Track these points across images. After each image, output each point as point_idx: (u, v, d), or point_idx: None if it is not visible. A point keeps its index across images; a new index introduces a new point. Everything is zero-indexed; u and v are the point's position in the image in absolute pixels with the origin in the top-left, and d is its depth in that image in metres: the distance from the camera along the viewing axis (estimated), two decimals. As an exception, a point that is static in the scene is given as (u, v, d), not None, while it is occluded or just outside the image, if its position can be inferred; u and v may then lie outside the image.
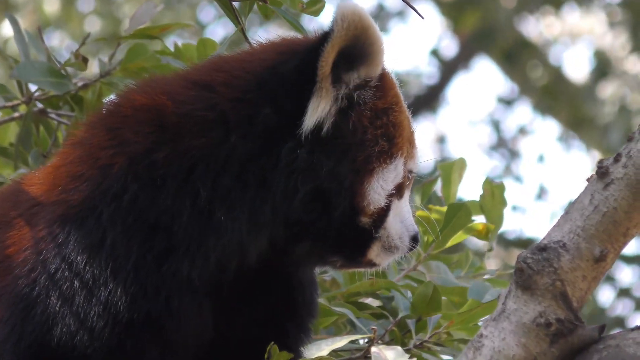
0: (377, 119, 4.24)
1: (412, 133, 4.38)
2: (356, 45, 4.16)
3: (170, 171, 4.09)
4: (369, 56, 4.20)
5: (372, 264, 4.30)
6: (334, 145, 4.19)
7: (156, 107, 4.18)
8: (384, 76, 4.28)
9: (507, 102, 18.21)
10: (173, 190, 4.08)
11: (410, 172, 4.35)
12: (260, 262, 4.19)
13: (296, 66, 4.20)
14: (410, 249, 4.32)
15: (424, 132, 17.39)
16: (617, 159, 3.75)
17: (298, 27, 4.78)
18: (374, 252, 4.25)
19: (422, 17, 5.10)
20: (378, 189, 4.20)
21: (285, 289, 4.34)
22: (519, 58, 17.48)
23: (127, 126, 4.16)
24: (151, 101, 4.20)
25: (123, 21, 16.77)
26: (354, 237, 4.25)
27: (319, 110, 4.17)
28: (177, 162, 4.10)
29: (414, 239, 4.31)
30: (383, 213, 4.23)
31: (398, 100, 4.32)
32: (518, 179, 17.62)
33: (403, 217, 4.33)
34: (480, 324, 4.52)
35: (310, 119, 4.14)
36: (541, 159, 17.89)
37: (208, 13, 17.46)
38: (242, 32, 4.78)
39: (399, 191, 4.26)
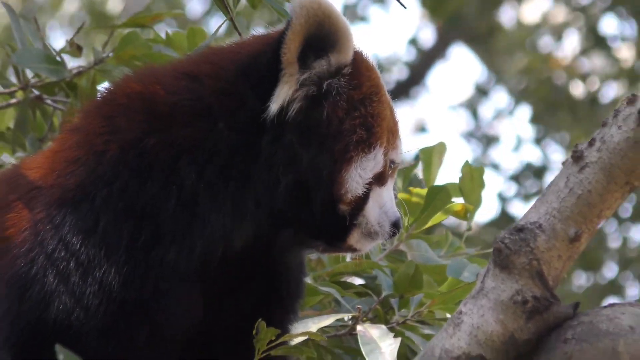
0: (354, 109, 4.28)
1: (395, 123, 4.43)
2: (321, 33, 4.20)
3: (158, 160, 4.15)
4: (337, 43, 4.22)
5: (353, 249, 4.38)
6: (311, 137, 4.22)
7: (149, 96, 4.25)
8: (358, 65, 4.32)
9: (483, 91, 18.35)
10: (160, 179, 4.14)
11: (392, 162, 4.40)
12: (245, 248, 4.25)
13: (269, 57, 4.25)
14: (392, 235, 4.37)
15: (403, 118, 17.48)
16: (591, 144, 3.78)
17: (285, 15, 4.91)
18: (354, 238, 4.30)
19: (405, 7, 5.21)
20: (356, 177, 4.24)
21: (271, 272, 4.39)
22: (493, 44, 17.65)
23: (121, 114, 4.22)
24: (145, 90, 4.27)
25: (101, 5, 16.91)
26: (334, 224, 4.30)
27: (281, 94, 4.20)
28: (165, 151, 4.17)
29: (395, 225, 4.35)
30: (361, 201, 4.28)
31: (377, 90, 4.36)
32: (495, 166, 17.71)
33: (383, 204, 4.37)
34: (461, 303, 4.61)
35: (274, 104, 4.17)
36: (519, 142, 18.03)
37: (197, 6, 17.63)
38: (232, 22, 4.75)
39: (379, 180, 4.31)
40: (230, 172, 4.18)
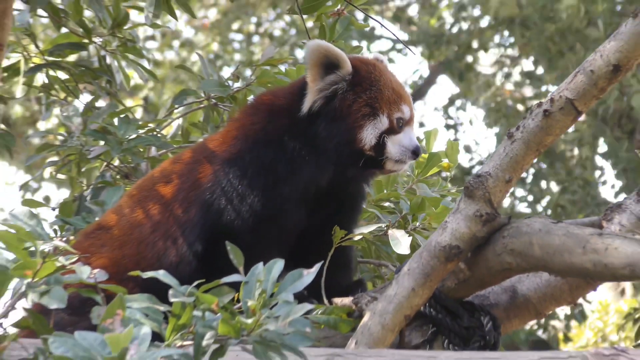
0: (359, 97, 4.74)
1: (396, 95, 4.78)
2: (327, 60, 4.72)
3: (273, 137, 4.72)
4: (338, 64, 4.73)
5: (393, 171, 4.80)
6: (335, 120, 4.70)
7: (270, 104, 4.85)
8: (359, 70, 4.76)
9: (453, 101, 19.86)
10: (275, 149, 4.69)
11: (400, 118, 4.79)
12: (328, 185, 4.76)
13: (303, 83, 4.79)
14: (414, 158, 4.77)
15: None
16: (517, 128, 4.28)
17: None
18: (389, 165, 4.77)
19: (414, 54, 5.91)
20: (369, 134, 4.70)
21: (343, 198, 4.86)
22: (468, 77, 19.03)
23: (257, 113, 4.83)
24: (269, 100, 4.87)
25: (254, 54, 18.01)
26: (370, 162, 4.75)
27: (308, 99, 4.73)
28: (276, 132, 4.73)
29: (414, 152, 4.75)
30: (379, 146, 4.71)
31: (376, 81, 4.77)
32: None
33: (402, 143, 4.76)
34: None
35: (305, 105, 4.72)
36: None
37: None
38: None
39: (390, 131, 4.74)
40: (308, 143, 4.71)
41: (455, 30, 19.56)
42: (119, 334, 2.90)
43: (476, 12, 19.29)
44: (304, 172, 4.67)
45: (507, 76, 19.52)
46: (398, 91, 4.80)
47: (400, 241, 4.84)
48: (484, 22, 19.28)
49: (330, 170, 4.71)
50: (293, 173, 4.65)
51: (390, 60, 19.37)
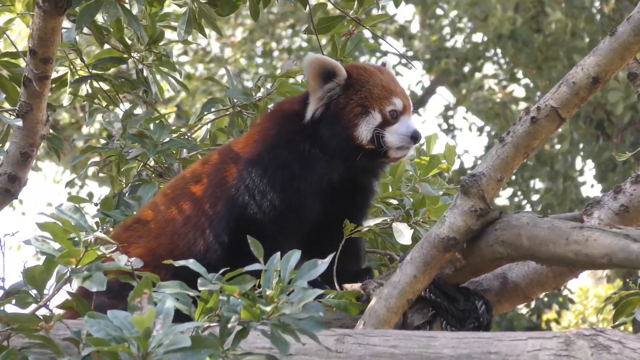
0: (350, 100, 4.71)
1: (387, 91, 4.75)
2: (325, 71, 4.70)
3: (287, 139, 4.73)
4: (334, 72, 4.71)
5: (399, 158, 4.77)
6: (333, 124, 4.69)
7: (286, 110, 4.87)
8: (352, 75, 4.73)
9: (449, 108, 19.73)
10: (289, 149, 4.70)
11: (393, 111, 4.75)
12: (340, 180, 4.75)
13: (306, 94, 4.79)
14: (415, 142, 4.72)
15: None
16: (508, 133, 4.27)
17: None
18: (392, 154, 4.73)
19: (415, 68, 5.84)
20: (364, 130, 4.68)
21: (353, 192, 4.84)
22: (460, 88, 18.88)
23: (276, 119, 4.85)
24: (286, 107, 4.91)
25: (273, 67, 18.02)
26: (374, 154, 4.72)
27: (310, 108, 4.73)
28: (288, 135, 4.73)
29: (413, 137, 4.72)
30: (377, 139, 4.67)
31: (366, 84, 4.73)
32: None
33: (399, 131, 4.72)
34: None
35: (307, 113, 4.72)
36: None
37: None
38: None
39: (384, 124, 4.71)
40: (314, 143, 4.70)
41: (451, 44, 19.50)
42: (142, 315, 2.92)
43: (470, 25, 19.22)
44: (316, 169, 4.66)
45: (503, 86, 19.37)
46: (388, 87, 4.76)
47: (403, 233, 4.85)
48: (477, 37, 19.17)
49: (340, 167, 4.70)
50: (306, 170, 4.64)
51: (398, 74, 19.29)
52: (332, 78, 4.70)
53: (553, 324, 16.98)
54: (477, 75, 19.68)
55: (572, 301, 16.65)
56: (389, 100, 4.71)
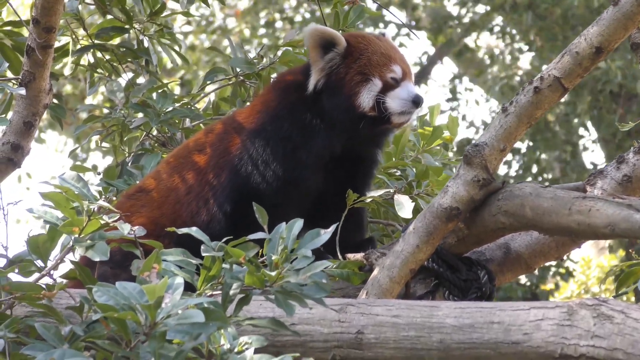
0: (349, 69, 4.70)
1: (386, 58, 4.74)
2: (324, 41, 4.70)
3: (289, 110, 4.73)
4: (334, 42, 4.70)
5: (402, 123, 4.75)
6: (334, 94, 4.68)
7: (289, 80, 4.86)
8: (351, 44, 4.72)
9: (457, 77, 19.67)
10: (291, 120, 4.70)
11: (392, 77, 4.73)
12: (342, 151, 4.75)
13: (308, 65, 4.79)
14: (417, 106, 4.70)
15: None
16: (511, 103, 4.28)
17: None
18: (395, 119, 4.71)
19: (419, 38, 5.85)
20: (365, 97, 4.66)
21: (356, 163, 4.82)
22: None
23: (279, 90, 4.84)
24: (288, 78, 4.90)
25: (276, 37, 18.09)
26: (376, 121, 4.71)
27: (313, 78, 4.72)
28: (289, 106, 4.73)
29: (415, 101, 4.69)
30: (378, 105, 4.65)
31: (365, 52, 4.73)
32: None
33: (400, 96, 4.70)
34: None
35: (310, 85, 4.70)
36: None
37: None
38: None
39: (385, 90, 4.68)
40: (316, 114, 4.70)
41: (456, 12, 19.43)
42: (155, 284, 2.92)
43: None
44: (318, 140, 4.65)
45: (515, 58, 19.24)
46: (387, 54, 4.75)
47: (405, 206, 4.78)
48: (480, 8, 19.05)
49: (343, 137, 4.69)
50: (308, 141, 4.64)
51: (401, 45, 19.19)
52: (332, 48, 4.69)
53: (549, 293, 16.99)
54: (481, 44, 19.56)
55: (571, 274, 16.65)
56: (388, 67, 4.70)
